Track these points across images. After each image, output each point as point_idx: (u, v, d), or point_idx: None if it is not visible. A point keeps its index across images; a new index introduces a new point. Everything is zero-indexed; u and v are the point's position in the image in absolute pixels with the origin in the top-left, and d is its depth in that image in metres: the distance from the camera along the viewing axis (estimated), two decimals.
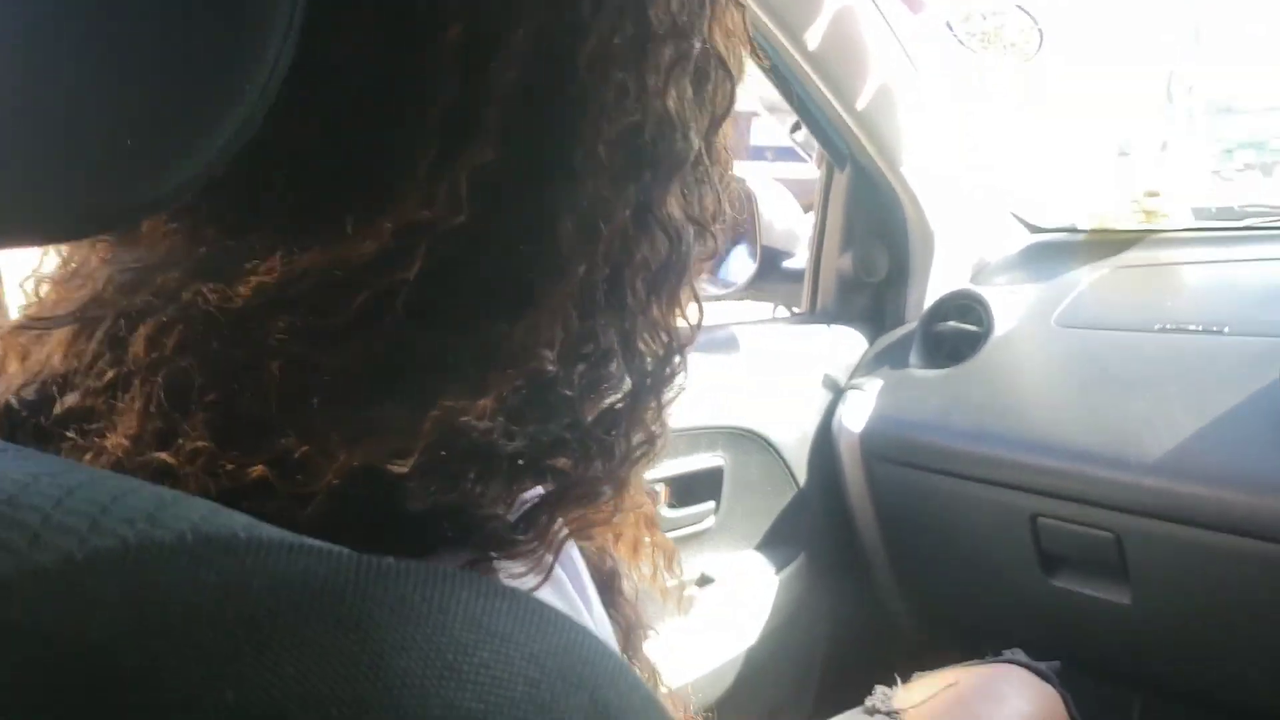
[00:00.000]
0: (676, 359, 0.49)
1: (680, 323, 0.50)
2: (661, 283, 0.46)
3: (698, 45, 0.45)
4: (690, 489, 1.47)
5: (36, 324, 0.44)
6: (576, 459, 0.45)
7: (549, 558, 0.43)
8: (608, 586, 0.56)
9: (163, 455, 0.37)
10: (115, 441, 0.38)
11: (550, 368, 0.43)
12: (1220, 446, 1.24)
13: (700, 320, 0.51)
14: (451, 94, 0.39)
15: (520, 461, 0.43)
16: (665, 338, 0.48)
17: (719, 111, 0.48)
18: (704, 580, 1.51)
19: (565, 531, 0.45)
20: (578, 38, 0.41)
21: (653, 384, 0.48)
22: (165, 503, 0.28)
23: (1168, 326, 1.43)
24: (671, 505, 1.44)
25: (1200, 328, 1.40)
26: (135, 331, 0.40)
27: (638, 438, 0.48)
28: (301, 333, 0.39)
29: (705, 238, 0.49)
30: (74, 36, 0.30)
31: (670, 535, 1.43)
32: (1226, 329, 1.38)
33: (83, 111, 0.31)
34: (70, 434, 0.39)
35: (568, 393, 0.45)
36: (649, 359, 0.48)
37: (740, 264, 1.83)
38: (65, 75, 0.31)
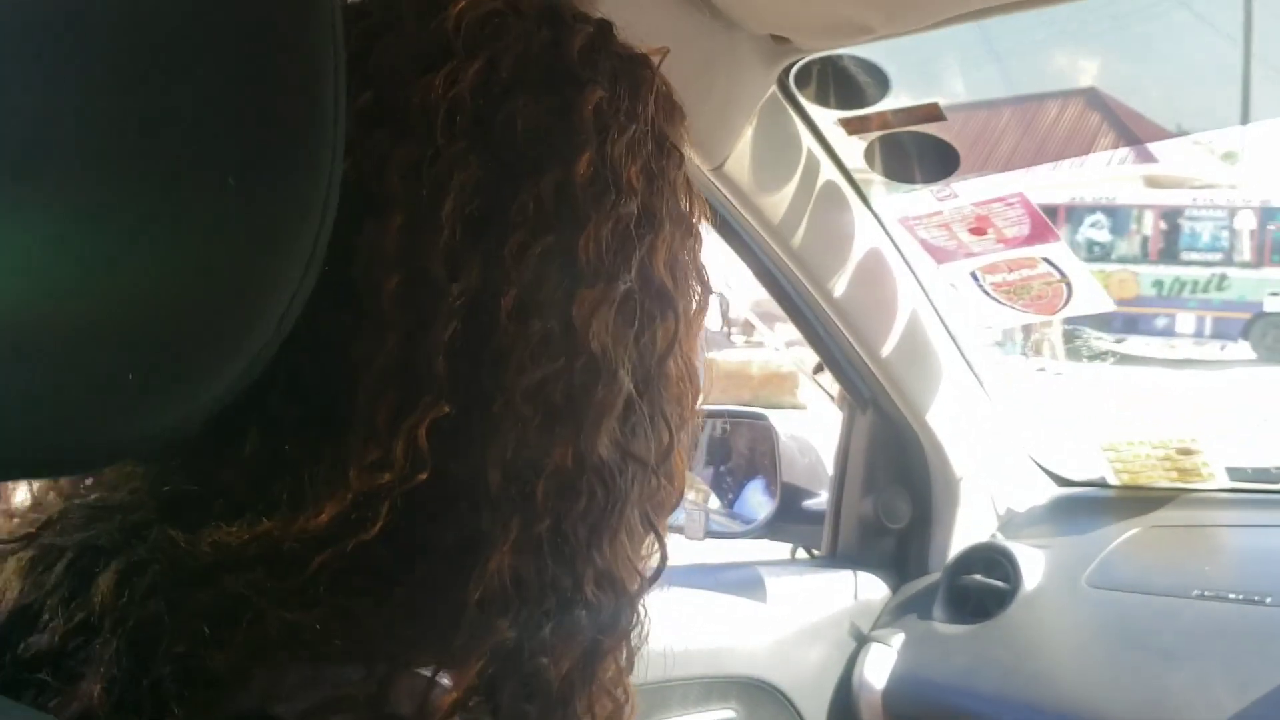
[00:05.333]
0: (627, 611, 0.46)
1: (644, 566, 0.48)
2: (602, 528, 0.45)
3: (626, 284, 0.45)
4: None
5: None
6: None
7: None
8: None
9: None
10: (88, 689, 0.38)
11: (510, 634, 0.42)
12: None
13: (663, 564, 0.49)
14: (395, 346, 0.40)
15: None
16: (614, 587, 0.46)
17: (662, 347, 0.47)
18: None
19: None
20: (503, 288, 0.42)
21: (607, 639, 0.46)
22: None
23: (1205, 593, 1.36)
24: None
25: (1240, 597, 1.34)
26: (102, 566, 0.40)
27: (601, 708, 0.46)
28: (266, 588, 0.39)
29: (649, 476, 0.47)
30: (87, 257, 0.28)
31: None
32: (1268, 599, 1.31)
33: (96, 340, 0.28)
34: (42, 675, 0.39)
35: (543, 660, 0.43)
36: (601, 611, 0.45)
37: (759, 501, 1.79)
38: (78, 300, 0.28)
